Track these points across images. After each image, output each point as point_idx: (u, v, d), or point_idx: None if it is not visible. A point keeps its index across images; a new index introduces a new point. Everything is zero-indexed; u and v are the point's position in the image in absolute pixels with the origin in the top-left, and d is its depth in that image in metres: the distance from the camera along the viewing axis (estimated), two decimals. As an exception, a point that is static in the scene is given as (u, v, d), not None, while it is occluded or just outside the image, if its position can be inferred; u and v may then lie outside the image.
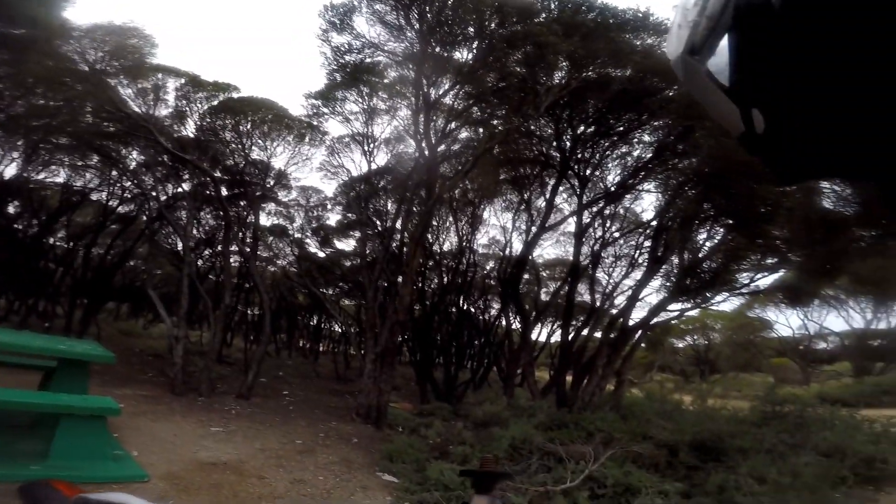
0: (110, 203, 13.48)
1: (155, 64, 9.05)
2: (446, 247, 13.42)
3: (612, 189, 10.31)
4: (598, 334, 10.91)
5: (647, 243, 10.45)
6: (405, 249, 9.94)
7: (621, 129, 9.23)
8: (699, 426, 6.55)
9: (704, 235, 9.80)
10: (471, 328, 14.68)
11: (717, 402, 8.55)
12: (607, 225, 11.15)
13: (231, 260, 11.67)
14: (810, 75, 0.34)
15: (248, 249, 10.81)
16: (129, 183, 12.36)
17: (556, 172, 10.09)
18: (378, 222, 11.32)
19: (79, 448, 4.00)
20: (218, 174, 10.53)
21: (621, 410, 8.23)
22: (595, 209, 10.73)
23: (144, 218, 13.44)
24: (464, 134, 10.11)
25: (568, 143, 9.63)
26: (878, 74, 0.31)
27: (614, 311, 10.66)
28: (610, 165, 10.35)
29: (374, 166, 10.53)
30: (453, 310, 13.76)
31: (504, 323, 12.36)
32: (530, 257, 12.00)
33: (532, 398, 9.48)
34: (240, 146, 10.31)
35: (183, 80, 9.52)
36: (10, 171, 11.98)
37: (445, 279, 13.26)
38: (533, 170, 10.66)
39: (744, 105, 0.37)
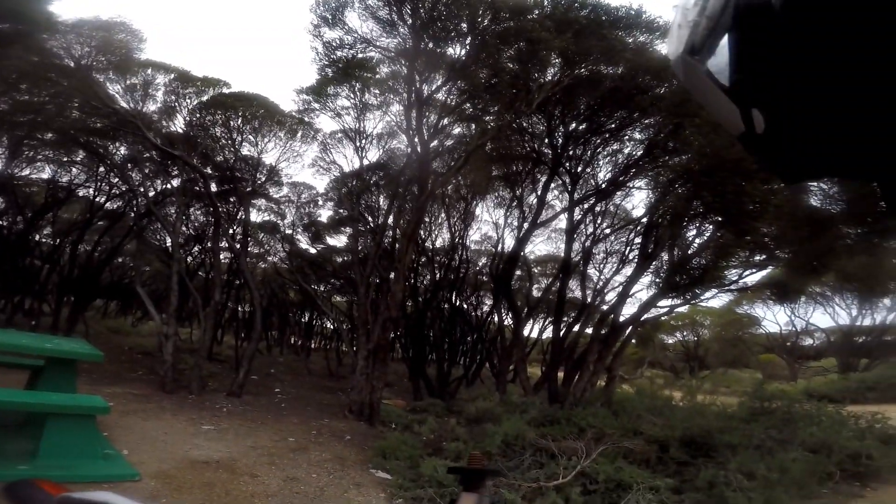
0: (97, 199, 13.31)
1: (143, 59, 8.95)
2: (439, 243, 13.45)
3: (603, 186, 10.36)
4: (589, 330, 11.00)
5: (638, 240, 10.54)
6: (397, 245, 9.92)
7: (613, 126, 9.28)
8: (689, 422, 6.60)
9: (694, 232, 9.91)
10: (463, 324, 14.72)
11: (707, 398, 8.59)
12: (598, 221, 11.22)
13: (221, 256, 11.60)
14: (810, 75, 0.34)
15: (239, 246, 10.72)
16: (117, 179, 12.21)
17: (547, 169, 10.13)
18: (370, 218, 11.28)
19: (68, 447, 3.96)
20: (208, 170, 10.42)
21: (612, 406, 8.27)
22: (586, 206, 10.80)
23: (132, 214, 13.28)
24: (456, 130, 10.09)
25: (560, 140, 9.66)
26: (878, 74, 0.32)
27: (605, 308, 10.73)
28: (601, 162, 10.42)
29: (366, 162, 10.51)
30: (446, 306, 13.78)
31: (496, 319, 12.40)
32: (522, 253, 12.04)
33: (524, 394, 9.54)
34: (230, 142, 10.22)
35: (172, 76, 9.42)
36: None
37: (438, 275, 13.28)
38: (525, 166, 10.68)
39: (744, 105, 0.37)
